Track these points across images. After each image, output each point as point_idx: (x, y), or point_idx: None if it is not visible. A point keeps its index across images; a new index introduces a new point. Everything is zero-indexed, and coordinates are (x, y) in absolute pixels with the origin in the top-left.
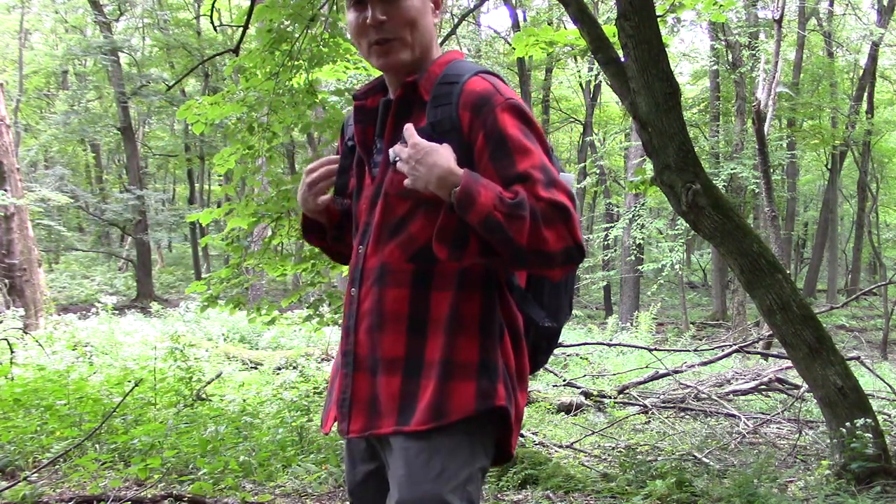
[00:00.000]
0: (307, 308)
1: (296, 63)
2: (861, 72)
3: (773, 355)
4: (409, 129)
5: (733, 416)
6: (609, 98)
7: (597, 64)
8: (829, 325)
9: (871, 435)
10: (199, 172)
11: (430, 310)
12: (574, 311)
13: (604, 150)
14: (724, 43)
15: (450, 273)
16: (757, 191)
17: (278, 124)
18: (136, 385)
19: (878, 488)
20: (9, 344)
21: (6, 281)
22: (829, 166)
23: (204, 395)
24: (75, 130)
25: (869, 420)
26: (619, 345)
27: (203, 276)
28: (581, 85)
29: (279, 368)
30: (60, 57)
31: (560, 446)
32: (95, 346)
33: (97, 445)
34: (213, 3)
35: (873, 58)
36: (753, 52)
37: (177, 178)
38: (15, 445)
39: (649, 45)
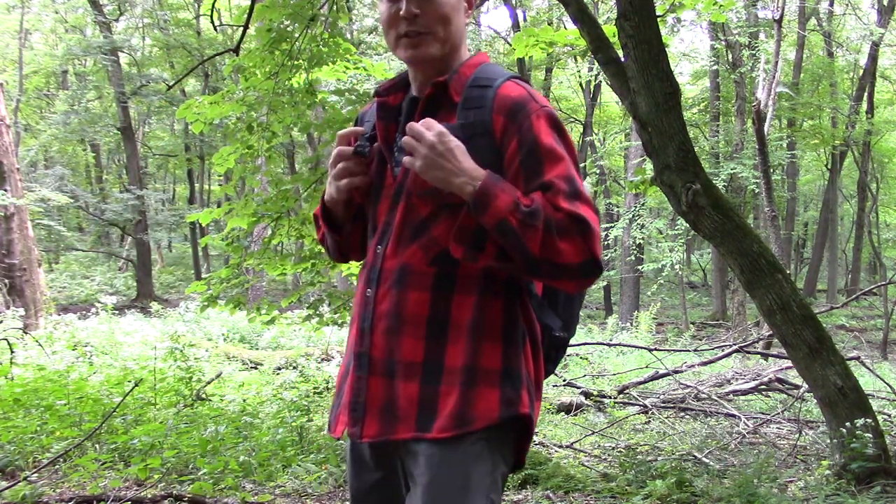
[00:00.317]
0: (307, 308)
1: (295, 63)
2: (861, 72)
3: (773, 355)
4: (429, 120)
5: (733, 416)
6: (609, 98)
7: (597, 64)
8: (829, 325)
9: (871, 435)
10: (199, 172)
11: (451, 314)
12: None
13: (604, 150)
14: (724, 43)
15: (473, 277)
16: (757, 191)
17: (278, 124)
18: (136, 385)
19: (878, 488)
20: (9, 344)
21: (6, 281)
22: (829, 166)
23: (204, 395)
24: (75, 130)
25: (869, 420)
26: (619, 345)
27: (203, 276)
28: (581, 85)
29: (279, 368)
30: (60, 57)
31: (560, 446)
32: (95, 346)
33: (97, 445)
34: (214, 3)
35: (873, 58)
36: (753, 52)
37: (177, 178)
38: (15, 445)
39: (649, 45)
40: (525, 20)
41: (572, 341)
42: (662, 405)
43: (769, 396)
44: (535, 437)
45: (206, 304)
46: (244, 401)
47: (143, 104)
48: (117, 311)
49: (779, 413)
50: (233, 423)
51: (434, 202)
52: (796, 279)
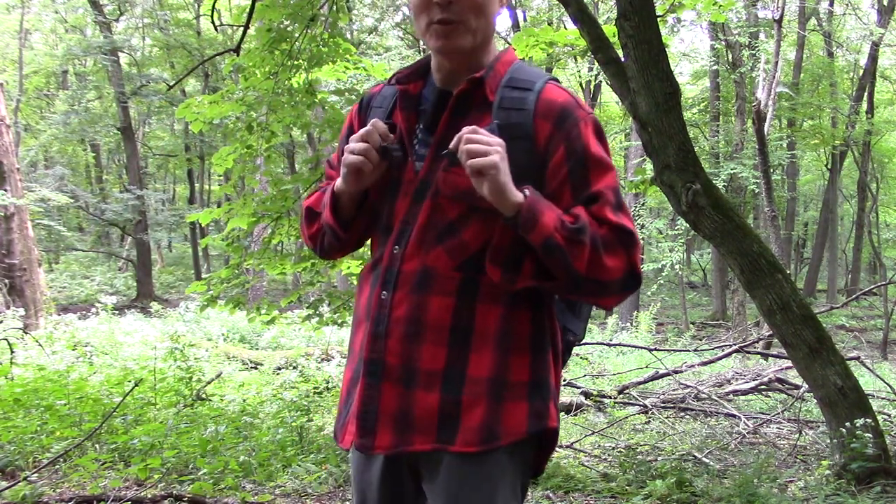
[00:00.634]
0: (307, 308)
1: (295, 63)
2: (861, 72)
3: (773, 355)
4: (476, 128)
5: (733, 416)
6: (609, 98)
7: (597, 64)
8: (829, 325)
9: (871, 435)
10: (199, 172)
11: (475, 322)
12: None
13: None
14: (724, 43)
15: (499, 285)
16: (757, 191)
17: (277, 124)
18: (136, 385)
19: (878, 488)
20: (9, 344)
21: (6, 281)
22: (829, 166)
23: (204, 395)
24: (75, 130)
25: (869, 420)
26: (619, 345)
27: (203, 276)
28: (581, 85)
29: (279, 368)
30: (60, 57)
31: (560, 446)
32: (95, 346)
33: (97, 445)
34: (214, 3)
35: (873, 58)
36: (753, 52)
37: (177, 178)
38: (15, 445)
39: (649, 45)
40: (525, 20)
41: None
42: (662, 405)
43: (769, 396)
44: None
45: (206, 304)
46: (244, 401)
47: (143, 104)
48: (117, 311)
49: (779, 413)
50: (233, 423)
51: (465, 204)
52: (796, 279)
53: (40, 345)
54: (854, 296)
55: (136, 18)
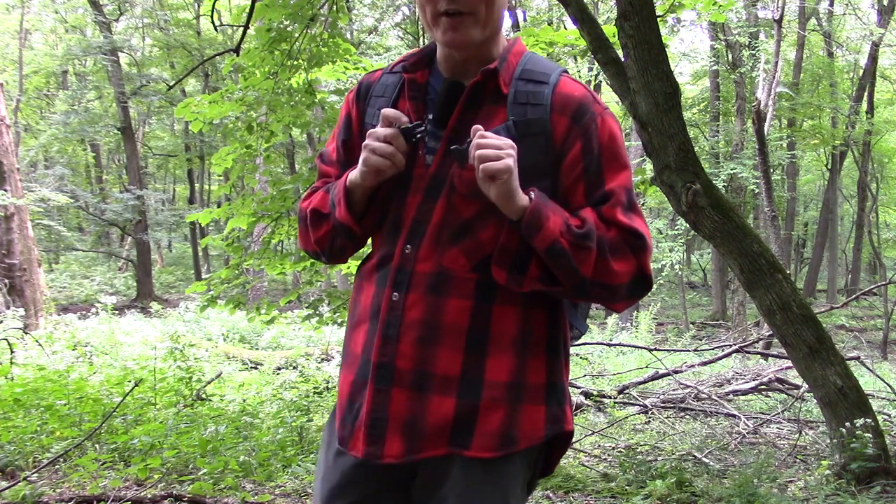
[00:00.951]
0: (306, 307)
1: (295, 63)
2: (861, 72)
3: (773, 355)
4: (483, 130)
5: (733, 416)
6: (609, 98)
7: (597, 64)
8: (829, 325)
9: (871, 435)
10: (199, 172)
11: (492, 325)
12: None
13: None
14: (724, 43)
15: None
16: (757, 191)
17: (277, 123)
18: (136, 385)
19: (878, 488)
20: (9, 344)
21: (6, 281)
22: (829, 166)
23: (204, 395)
24: (75, 130)
25: (869, 420)
26: (619, 345)
27: (203, 276)
28: None
29: (279, 368)
30: (60, 57)
31: None
32: (95, 346)
33: (97, 445)
34: (214, 3)
35: (873, 58)
36: (753, 52)
37: (177, 178)
38: (15, 445)
39: (649, 45)
40: (525, 20)
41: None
42: (662, 405)
43: (769, 396)
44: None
45: (206, 304)
46: (244, 401)
47: (143, 104)
48: (117, 311)
49: (779, 413)
50: (233, 423)
51: (481, 203)
52: (796, 279)
53: (40, 345)
54: (854, 296)
55: (136, 18)
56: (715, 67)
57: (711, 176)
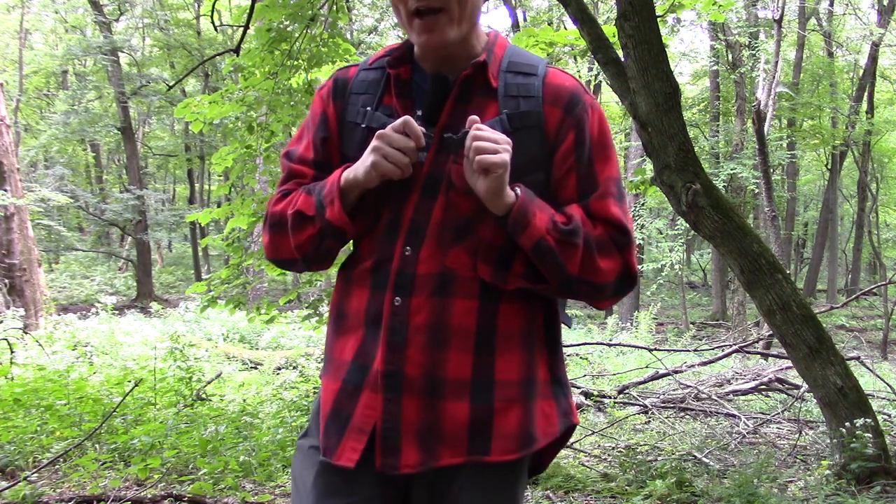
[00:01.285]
0: (306, 307)
1: (295, 63)
2: (861, 72)
3: (773, 355)
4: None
5: (733, 416)
6: (609, 98)
7: (597, 64)
8: (829, 325)
9: (871, 435)
10: (199, 172)
11: (498, 324)
12: (574, 311)
13: None
14: (724, 43)
15: None
16: (757, 191)
17: (277, 123)
18: (136, 385)
19: (878, 488)
20: (9, 344)
21: (6, 281)
22: (829, 166)
23: (204, 395)
24: (75, 130)
25: (869, 420)
26: (619, 345)
27: (203, 276)
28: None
29: (279, 368)
30: (60, 57)
31: None
32: (95, 346)
33: (97, 445)
34: (214, 3)
35: (873, 58)
36: (753, 52)
37: (177, 178)
38: (15, 445)
39: (649, 45)
40: (525, 20)
41: (572, 341)
42: (662, 405)
43: (769, 396)
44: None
45: (206, 304)
46: (244, 401)
47: (143, 104)
48: (117, 311)
49: (779, 413)
50: (233, 423)
51: (477, 198)
52: (796, 279)
53: (40, 345)
54: (854, 296)
55: (136, 18)
56: (715, 67)
57: (711, 176)
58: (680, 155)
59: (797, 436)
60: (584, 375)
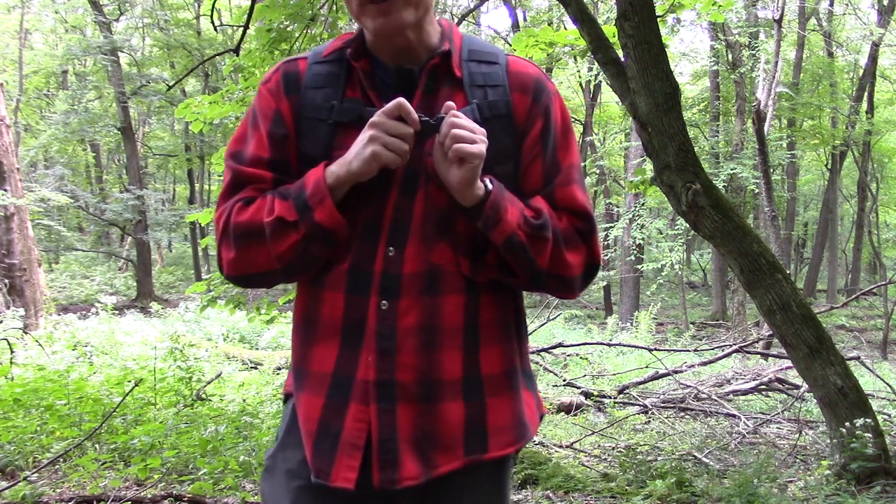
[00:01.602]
0: None
1: None
2: (861, 72)
3: (773, 355)
4: (452, 108)
5: (733, 416)
6: (609, 98)
7: (597, 64)
8: (829, 325)
9: (871, 435)
10: (199, 172)
11: (480, 317)
12: (574, 311)
13: (604, 150)
14: (724, 43)
15: None
16: (757, 191)
17: None
18: (136, 385)
19: (878, 488)
20: (9, 344)
21: (6, 281)
22: (829, 166)
23: (204, 395)
24: (75, 130)
25: (869, 420)
26: (619, 345)
27: (203, 276)
28: (581, 85)
29: (279, 368)
30: (60, 57)
31: (560, 446)
32: (95, 346)
33: (97, 445)
34: (214, 3)
35: (873, 58)
36: (753, 52)
37: (177, 178)
38: (15, 445)
39: (649, 45)
40: (525, 20)
41: (572, 341)
42: (662, 405)
43: (769, 396)
44: (535, 437)
45: (206, 304)
46: (244, 401)
47: (143, 104)
48: (117, 311)
49: (779, 413)
50: (233, 423)
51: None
52: (796, 279)
53: (40, 345)
54: (854, 296)
55: (136, 18)
56: (715, 67)
57: (711, 176)
58: (680, 155)
59: (797, 436)
60: (584, 375)
